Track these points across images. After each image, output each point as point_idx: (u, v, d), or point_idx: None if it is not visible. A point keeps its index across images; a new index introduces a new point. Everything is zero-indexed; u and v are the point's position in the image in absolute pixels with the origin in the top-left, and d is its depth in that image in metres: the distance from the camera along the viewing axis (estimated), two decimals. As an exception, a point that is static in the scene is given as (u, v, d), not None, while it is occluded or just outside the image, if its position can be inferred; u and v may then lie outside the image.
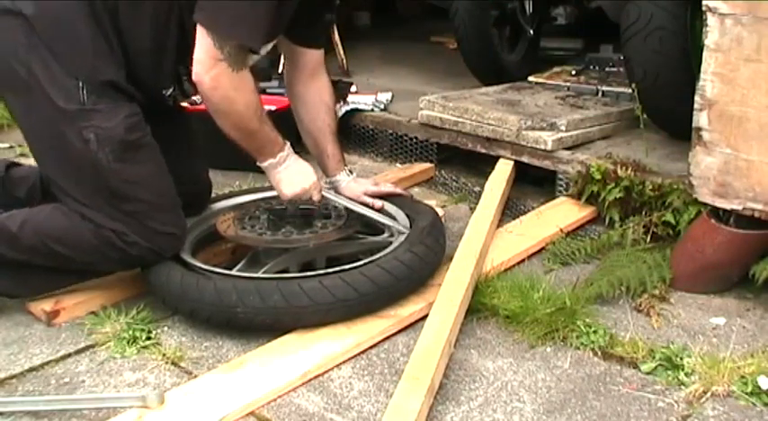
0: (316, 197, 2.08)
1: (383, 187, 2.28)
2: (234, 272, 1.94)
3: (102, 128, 1.80)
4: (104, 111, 1.81)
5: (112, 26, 1.84)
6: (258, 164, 2.03)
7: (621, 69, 3.09)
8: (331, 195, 2.17)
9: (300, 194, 2.04)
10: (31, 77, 1.79)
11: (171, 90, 1.99)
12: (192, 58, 1.84)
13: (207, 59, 1.78)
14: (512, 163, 2.68)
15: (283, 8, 1.81)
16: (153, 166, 1.89)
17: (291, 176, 2.02)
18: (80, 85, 1.79)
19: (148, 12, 1.85)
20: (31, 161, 3.11)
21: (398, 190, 2.30)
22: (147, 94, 1.92)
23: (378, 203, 2.19)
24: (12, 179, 2.18)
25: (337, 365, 1.75)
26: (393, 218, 2.19)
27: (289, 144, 2.03)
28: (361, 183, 2.26)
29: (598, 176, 2.40)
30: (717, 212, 2.04)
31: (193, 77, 1.82)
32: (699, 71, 1.97)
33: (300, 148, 3.12)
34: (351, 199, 2.20)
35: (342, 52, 3.91)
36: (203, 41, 1.77)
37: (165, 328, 1.92)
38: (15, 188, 2.13)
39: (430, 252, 1.98)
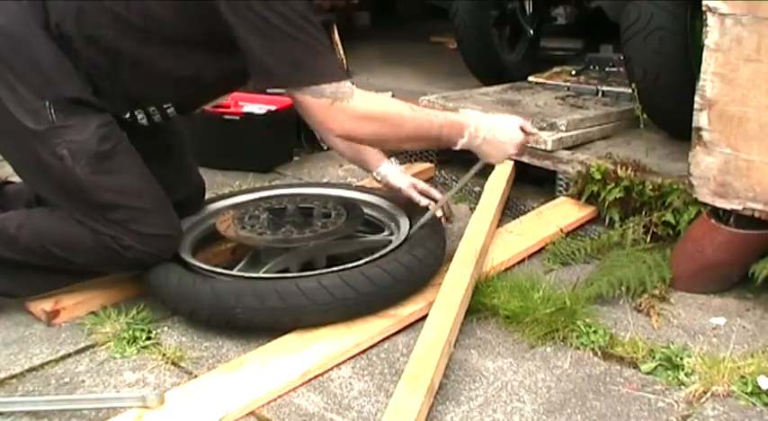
0: (525, 142, 1.94)
1: (425, 186, 2.23)
2: (233, 272, 1.94)
3: (74, 142, 1.79)
4: (75, 125, 1.79)
5: (71, 50, 1.81)
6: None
7: (621, 69, 3.09)
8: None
9: (511, 155, 1.94)
10: None
11: (139, 114, 1.95)
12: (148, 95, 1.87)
13: (318, 115, 1.72)
14: (512, 163, 2.68)
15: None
16: (133, 172, 1.88)
17: (492, 145, 1.88)
18: (47, 104, 1.78)
19: (104, 45, 1.81)
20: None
21: (436, 193, 2.24)
22: (115, 110, 1.89)
23: (424, 201, 2.14)
24: (6, 197, 2.17)
25: (337, 365, 1.75)
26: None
27: (468, 114, 1.91)
28: (407, 176, 2.21)
29: (598, 176, 2.40)
30: (717, 212, 2.04)
31: (330, 144, 1.79)
32: (699, 71, 1.97)
33: (304, 149, 3.18)
34: (399, 189, 2.16)
35: (342, 52, 3.91)
36: (305, 106, 1.72)
37: (165, 328, 1.92)
38: (12, 205, 2.12)
39: (430, 255, 1.98)
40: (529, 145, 2.57)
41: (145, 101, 1.92)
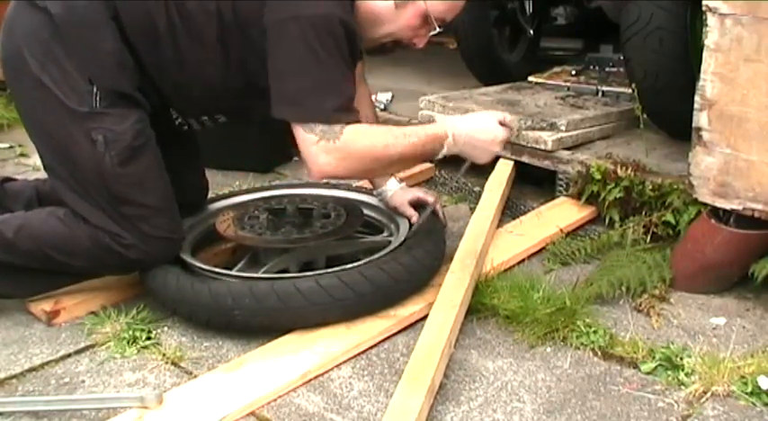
0: (508, 136, 1.91)
1: (420, 194, 2.25)
2: (232, 272, 1.94)
3: (111, 130, 1.81)
4: (115, 114, 1.82)
5: (131, 45, 1.84)
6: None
7: (621, 69, 3.09)
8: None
9: (496, 152, 1.92)
10: (43, 74, 1.79)
11: (177, 116, 2.00)
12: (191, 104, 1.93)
13: (303, 149, 1.77)
14: (512, 163, 2.68)
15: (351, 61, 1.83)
16: (154, 171, 1.89)
17: (475, 147, 1.87)
18: (94, 90, 1.80)
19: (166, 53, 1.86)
20: (29, 161, 3.12)
21: (430, 198, 2.26)
22: (154, 109, 1.92)
23: (416, 217, 2.15)
24: (7, 194, 2.17)
25: (337, 365, 1.75)
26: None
27: (444, 122, 1.89)
28: (407, 191, 2.23)
29: (598, 176, 2.40)
30: (717, 212, 2.04)
31: (312, 176, 1.82)
32: (699, 71, 1.97)
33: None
34: (395, 207, 2.21)
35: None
36: (297, 137, 1.78)
37: (165, 328, 1.92)
38: (12, 203, 2.12)
39: (429, 256, 1.98)
40: (525, 145, 2.60)
41: (192, 108, 1.98)
